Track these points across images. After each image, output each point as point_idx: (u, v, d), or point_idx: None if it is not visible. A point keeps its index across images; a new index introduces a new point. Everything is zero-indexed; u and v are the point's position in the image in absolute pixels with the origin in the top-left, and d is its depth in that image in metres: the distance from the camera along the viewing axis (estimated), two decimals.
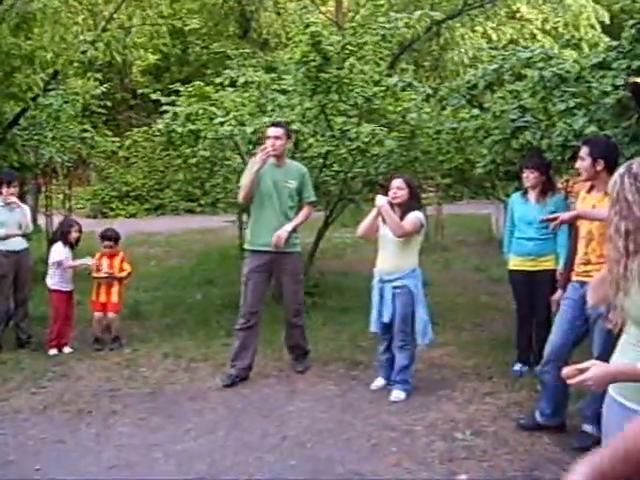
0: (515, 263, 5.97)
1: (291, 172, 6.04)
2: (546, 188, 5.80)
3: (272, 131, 5.92)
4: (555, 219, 4.54)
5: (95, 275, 7.14)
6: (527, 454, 4.42)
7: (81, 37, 9.35)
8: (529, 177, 5.77)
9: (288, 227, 5.85)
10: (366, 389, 5.65)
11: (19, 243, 7.11)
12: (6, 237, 6.96)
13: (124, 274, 7.27)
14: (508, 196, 6.86)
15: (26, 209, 7.35)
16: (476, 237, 14.96)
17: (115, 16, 10.69)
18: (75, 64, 9.75)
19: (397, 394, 5.44)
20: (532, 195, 5.85)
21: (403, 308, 5.43)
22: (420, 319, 5.46)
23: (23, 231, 7.17)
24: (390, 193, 5.48)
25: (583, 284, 4.48)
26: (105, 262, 7.17)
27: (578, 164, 4.59)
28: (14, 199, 7.02)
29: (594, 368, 2.28)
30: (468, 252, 13.12)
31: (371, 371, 6.01)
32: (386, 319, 5.47)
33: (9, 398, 5.62)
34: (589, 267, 4.47)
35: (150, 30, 12.77)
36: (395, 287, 5.43)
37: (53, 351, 6.83)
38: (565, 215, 4.51)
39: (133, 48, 10.75)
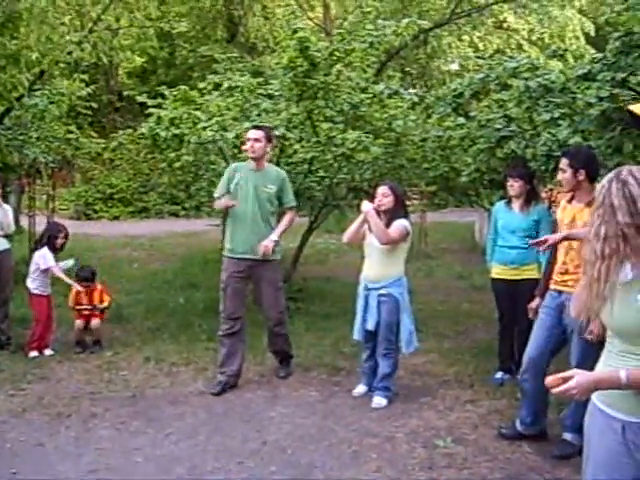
0: (498, 271, 5.99)
1: (270, 176, 5.95)
2: (530, 197, 5.83)
3: (251, 133, 5.86)
4: (545, 241, 4.53)
5: (77, 308, 7.09)
6: (507, 462, 4.44)
7: (67, 37, 9.29)
8: (513, 186, 5.79)
9: (274, 236, 5.78)
10: (348, 395, 5.65)
11: (1, 244, 7.05)
12: None
13: (105, 304, 7.24)
14: (492, 204, 6.89)
15: (8, 209, 7.29)
16: (459, 245, 15.02)
17: (102, 17, 10.63)
18: (61, 65, 9.70)
19: (378, 401, 5.43)
20: (516, 204, 5.88)
21: (388, 316, 5.40)
22: (405, 327, 5.45)
23: (5, 232, 7.12)
24: (375, 200, 5.44)
25: (561, 293, 4.54)
26: (84, 298, 7.11)
27: (560, 176, 4.62)
28: None
29: (577, 377, 2.30)
30: (451, 260, 13.16)
31: (353, 377, 6.00)
32: (370, 326, 5.44)
33: None
34: (566, 277, 4.50)
35: (137, 32, 12.73)
36: (381, 295, 5.40)
37: (34, 353, 6.77)
38: (553, 237, 4.50)
39: (120, 50, 10.72)
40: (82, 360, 6.68)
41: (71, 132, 11.75)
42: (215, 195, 6.09)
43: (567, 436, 4.55)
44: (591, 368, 4.12)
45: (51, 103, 10.64)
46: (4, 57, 7.64)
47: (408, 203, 13.50)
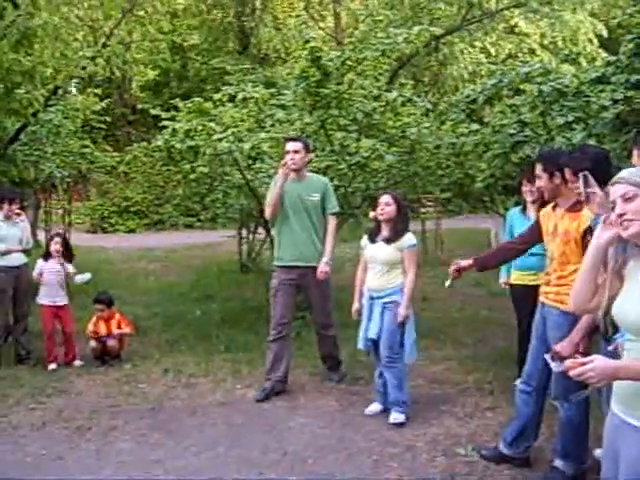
0: (516, 277, 5.96)
1: (313, 185, 6.06)
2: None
3: (290, 145, 5.95)
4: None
5: (94, 337, 7.10)
6: (529, 470, 4.39)
7: (81, 53, 9.38)
8: (531, 191, 5.74)
9: (326, 258, 5.92)
10: (367, 405, 5.62)
11: (18, 258, 7.10)
12: (6, 252, 6.96)
13: (127, 330, 7.25)
14: (507, 210, 6.86)
15: (26, 224, 7.35)
16: (475, 251, 14.79)
17: (115, 32, 10.73)
18: (75, 80, 9.78)
19: (395, 417, 5.28)
20: (531, 209, 5.83)
21: (391, 323, 5.28)
22: (409, 335, 5.32)
23: (23, 246, 7.18)
24: (378, 209, 5.38)
25: (543, 305, 4.30)
26: (102, 327, 7.13)
27: (537, 184, 4.31)
28: (19, 212, 7.09)
29: (597, 361, 2.28)
30: None
31: (372, 387, 5.97)
32: (372, 334, 5.34)
33: (8, 414, 5.59)
34: (548, 288, 4.24)
35: (150, 46, 12.87)
36: (385, 303, 5.32)
37: (52, 366, 6.81)
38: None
39: (133, 64, 10.81)
40: (101, 373, 6.70)
41: (86, 146, 11.85)
42: (267, 202, 6.20)
43: (557, 463, 4.26)
44: (566, 400, 4.06)
45: (66, 118, 10.74)
46: (20, 74, 7.73)
47: (422, 210, 13.68)
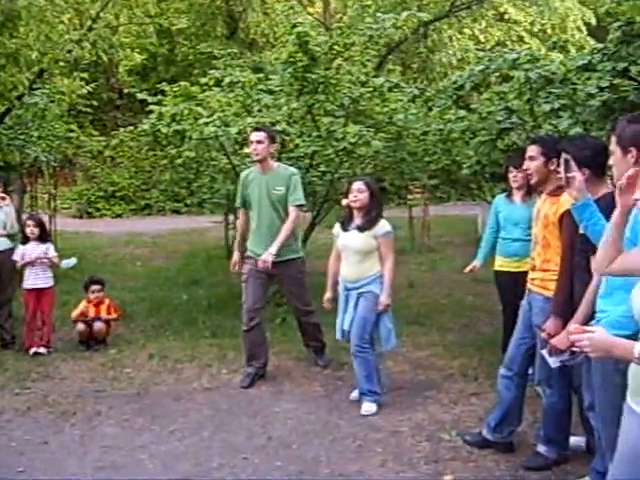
0: (500, 264, 5.98)
1: (279, 177, 5.90)
2: (531, 188, 5.81)
3: (254, 135, 5.82)
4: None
5: (81, 320, 7.07)
6: (513, 455, 4.42)
7: (67, 36, 9.29)
8: (517, 177, 5.75)
9: (273, 250, 5.66)
10: (352, 390, 5.63)
11: (2, 243, 7.05)
12: None
13: (114, 316, 7.26)
14: (494, 197, 6.87)
15: (10, 209, 7.30)
16: (462, 238, 14.98)
17: (101, 15, 10.63)
18: (61, 63, 9.69)
19: (367, 407, 5.18)
20: (517, 196, 5.86)
21: (363, 311, 5.17)
22: (384, 324, 5.23)
23: (8, 231, 7.12)
24: (350, 196, 5.23)
25: (529, 292, 4.29)
26: (91, 310, 7.13)
27: (527, 164, 4.22)
28: (3, 196, 7.04)
29: (597, 332, 2.30)
30: (454, 253, 13.12)
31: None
32: (346, 326, 5.26)
33: None
34: (534, 275, 4.23)
35: (137, 29, 12.75)
36: (360, 293, 5.19)
37: (32, 350, 6.77)
38: None
39: (120, 47, 10.71)
40: (86, 358, 6.68)
41: (72, 130, 11.73)
42: (236, 205, 6.22)
43: (540, 448, 4.29)
44: (549, 386, 4.09)
45: (51, 102, 10.63)
46: (4, 56, 7.66)
47: (410, 197, 13.67)
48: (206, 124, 7.18)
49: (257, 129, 5.98)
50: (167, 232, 16.27)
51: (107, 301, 7.26)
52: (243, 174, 6.15)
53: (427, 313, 8.24)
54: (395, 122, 7.84)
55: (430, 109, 8.01)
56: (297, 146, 7.92)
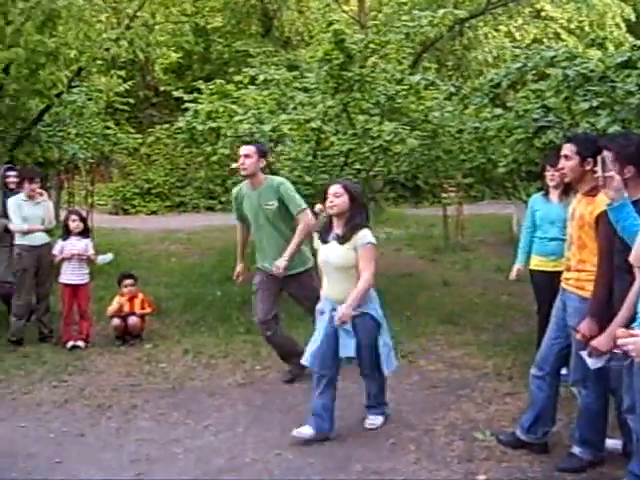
0: (537, 263, 5.92)
1: (268, 192, 5.63)
2: (568, 187, 5.74)
3: (242, 149, 5.60)
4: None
5: (117, 315, 7.18)
6: (547, 456, 4.38)
7: (105, 35, 9.41)
8: (554, 175, 5.68)
9: (286, 255, 5.50)
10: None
11: (41, 238, 7.18)
12: (28, 232, 7.05)
13: (147, 310, 7.34)
14: (529, 196, 6.81)
15: (49, 204, 7.43)
16: (496, 238, 14.86)
17: (138, 14, 10.74)
18: (98, 61, 9.81)
19: (373, 420, 4.89)
20: (554, 194, 5.80)
21: (367, 338, 4.61)
22: (385, 344, 4.72)
23: (46, 226, 7.24)
24: (327, 202, 4.62)
25: (564, 291, 4.23)
26: (126, 306, 7.23)
27: (562, 163, 4.11)
28: (41, 191, 7.18)
29: None
30: (488, 252, 13.02)
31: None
32: (352, 352, 4.61)
33: (32, 391, 5.70)
34: (568, 274, 4.17)
35: (173, 28, 12.84)
36: (355, 317, 4.53)
37: (69, 344, 6.91)
38: None
39: (156, 46, 10.81)
40: (122, 353, 6.77)
41: (109, 128, 11.88)
42: (235, 218, 6.06)
43: (575, 449, 4.22)
44: (585, 387, 4.02)
45: (89, 99, 10.79)
46: (44, 55, 7.76)
47: (444, 195, 13.59)
48: (241, 121, 7.22)
49: (246, 143, 5.76)
50: (201, 229, 16.38)
51: (140, 296, 7.35)
52: (235, 190, 5.95)
53: (461, 312, 8.19)
54: (431, 120, 7.80)
55: (466, 107, 7.96)
56: (332, 144, 7.93)
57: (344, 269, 4.55)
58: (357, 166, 8.25)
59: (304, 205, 5.69)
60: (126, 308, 7.17)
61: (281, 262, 5.50)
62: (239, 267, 6.16)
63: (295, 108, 7.76)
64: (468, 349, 6.75)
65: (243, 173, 5.60)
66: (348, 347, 4.59)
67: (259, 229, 5.76)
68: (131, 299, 7.25)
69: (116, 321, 7.08)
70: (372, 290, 4.64)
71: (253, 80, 8.31)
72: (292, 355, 5.83)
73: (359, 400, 5.37)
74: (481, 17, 17.27)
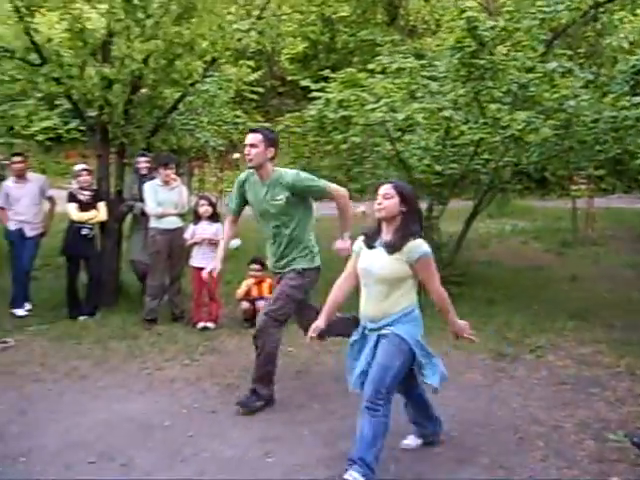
0: None
1: (277, 186, 5.05)
2: None
3: (248, 138, 5.04)
4: None
5: (246, 299, 7.41)
6: None
7: (236, 26, 9.62)
8: None
9: (346, 236, 5.08)
10: (512, 382, 5.56)
11: (173, 222, 7.49)
12: (162, 215, 7.36)
13: None
14: None
15: (183, 190, 7.72)
16: (627, 233, 14.24)
17: (267, 5, 10.90)
18: (229, 52, 10.04)
19: (350, 476, 3.84)
20: None
21: (384, 358, 3.97)
22: (427, 358, 4.14)
23: (179, 211, 7.54)
24: (375, 204, 4.11)
25: None
26: (254, 289, 7.46)
27: None
28: (175, 177, 7.51)
29: None
30: (619, 247, 12.51)
31: (518, 364, 5.93)
32: (364, 366, 4.13)
33: (165, 368, 5.97)
34: None
35: (299, 18, 13.00)
36: (382, 334, 4.03)
37: (200, 325, 7.21)
38: None
39: (285, 35, 10.97)
40: (250, 335, 6.89)
41: (238, 116, 12.17)
42: (230, 208, 5.60)
43: None
44: None
45: (220, 89, 11.07)
46: (180, 45, 8.03)
47: (574, 187, 13.13)
48: (373, 110, 7.22)
49: (252, 130, 5.15)
50: (320, 217, 16.53)
51: (268, 280, 7.50)
52: (241, 177, 5.34)
53: (590, 308, 7.93)
54: (565, 109, 7.52)
55: (604, 95, 7.65)
56: (462, 133, 7.80)
57: (387, 282, 4.00)
58: (486, 156, 8.10)
59: (328, 183, 5.19)
60: (254, 292, 7.37)
61: (342, 242, 5.08)
62: (217, 262, 5.50)
63: (424, 96, 7.70)
64: (598, 346, 6.54)
65: (249, 164, 5.04)
66: (362, 361, 4.15)
67: (265, 225, 5.27)
68: (259, 283, 7.43)
69: (245, 304, 7.29)
70: (416, 309, 4.10)
71: (384, 69, 8.29)
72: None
73: (486, 392, 5.34)
74: (619, 0, 16.48)
